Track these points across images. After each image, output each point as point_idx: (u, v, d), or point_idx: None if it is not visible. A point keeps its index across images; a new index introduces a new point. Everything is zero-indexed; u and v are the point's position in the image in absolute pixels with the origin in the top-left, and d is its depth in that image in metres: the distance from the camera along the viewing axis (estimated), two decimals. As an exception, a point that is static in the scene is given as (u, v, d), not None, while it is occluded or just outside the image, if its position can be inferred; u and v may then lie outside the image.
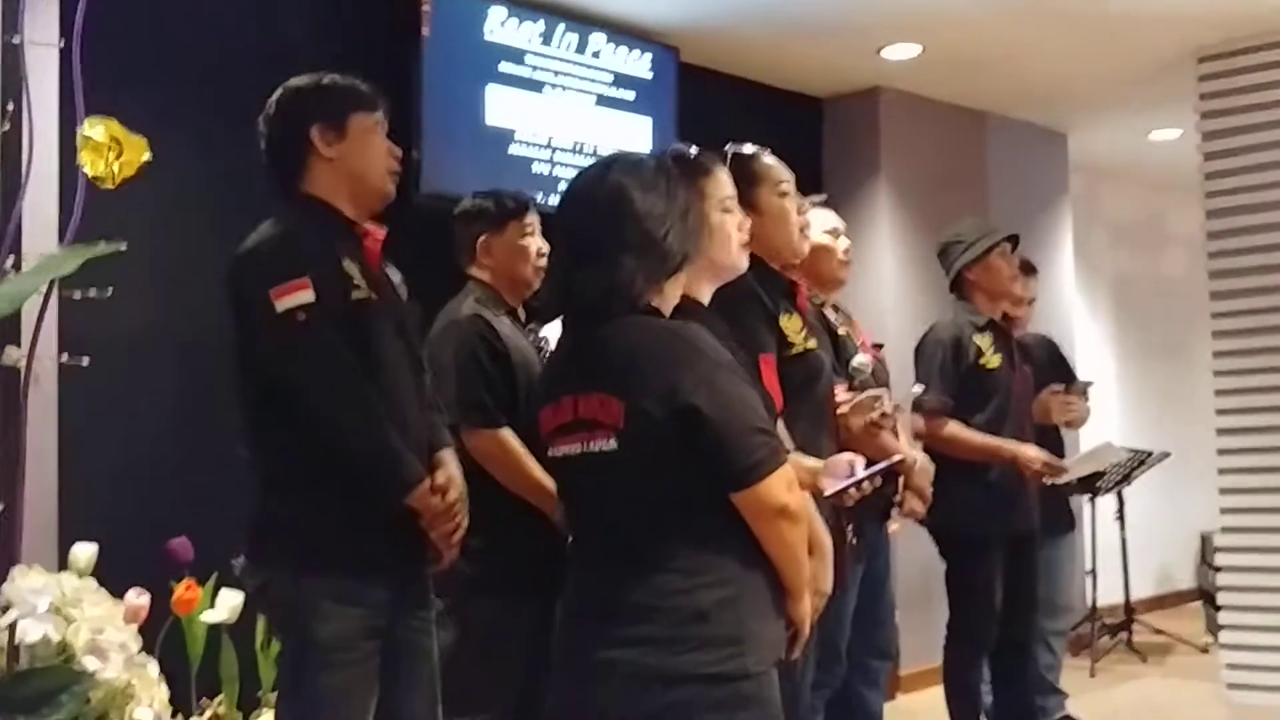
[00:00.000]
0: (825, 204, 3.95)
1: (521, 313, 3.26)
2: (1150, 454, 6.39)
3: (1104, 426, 6.03)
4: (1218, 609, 5.62)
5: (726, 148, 2.91)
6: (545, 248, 3.25)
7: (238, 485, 2.56)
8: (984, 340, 4.07)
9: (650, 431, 1.87)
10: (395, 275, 2.73)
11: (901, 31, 5.25)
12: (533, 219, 3.26)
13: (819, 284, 3.77)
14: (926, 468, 3.63)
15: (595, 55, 4.95)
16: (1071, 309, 7.05)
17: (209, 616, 3.62)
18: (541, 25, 4.77)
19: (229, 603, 3.63)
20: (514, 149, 4.68)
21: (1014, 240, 4.21)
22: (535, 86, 4.75)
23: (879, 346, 3.93)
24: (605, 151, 4.85)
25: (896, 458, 2.45)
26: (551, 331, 3.16)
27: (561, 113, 4.83)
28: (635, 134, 5.08)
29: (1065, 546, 4.77)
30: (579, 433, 1.96)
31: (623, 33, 5.05)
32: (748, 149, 2.91)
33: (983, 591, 4.03)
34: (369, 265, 2.54)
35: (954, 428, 4.00)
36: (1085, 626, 6.35)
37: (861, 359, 3.21)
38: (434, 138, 4.42)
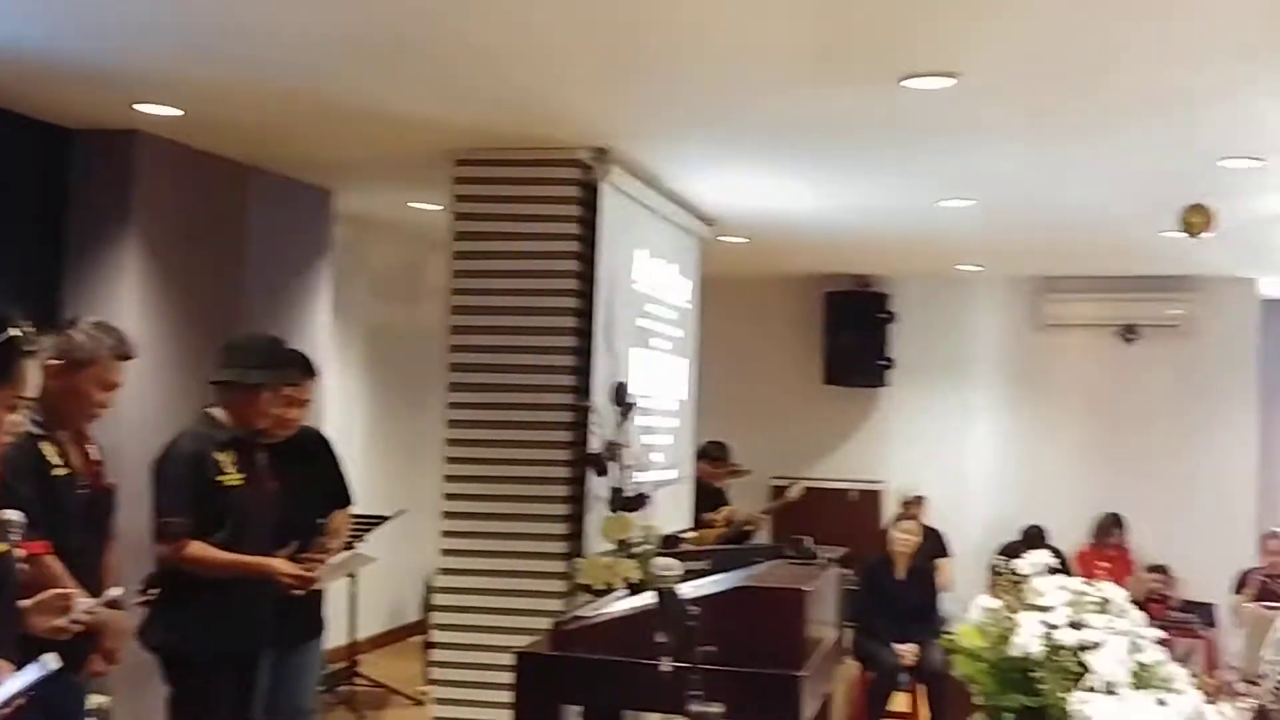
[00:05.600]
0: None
1: None
2: (384, 519, 6.64)
3: (351, 475, 6.05)
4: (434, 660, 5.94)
5: None
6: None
7: None
8: (226, 456, 4.04)
9: None
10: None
11: (159, 93, 4.94)
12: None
13: (70, 426, 3.53)
14: (119, 627, 3.48)
15: None
16: (326, 362, 7.09)
17: None
18: None
19: None
20: None
21: (293, 383, 4.30)
22: None
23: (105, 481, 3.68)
24: None
25: (54, 666, 2.27)
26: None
27: None
28: None
29: (313, 651, 4.82)
30: None
31: None
32: None
33: (215, 713, 3.94)
34: None
35: (197, 548, 3.94)
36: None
37: (11, 515, 2.87)
38: None
